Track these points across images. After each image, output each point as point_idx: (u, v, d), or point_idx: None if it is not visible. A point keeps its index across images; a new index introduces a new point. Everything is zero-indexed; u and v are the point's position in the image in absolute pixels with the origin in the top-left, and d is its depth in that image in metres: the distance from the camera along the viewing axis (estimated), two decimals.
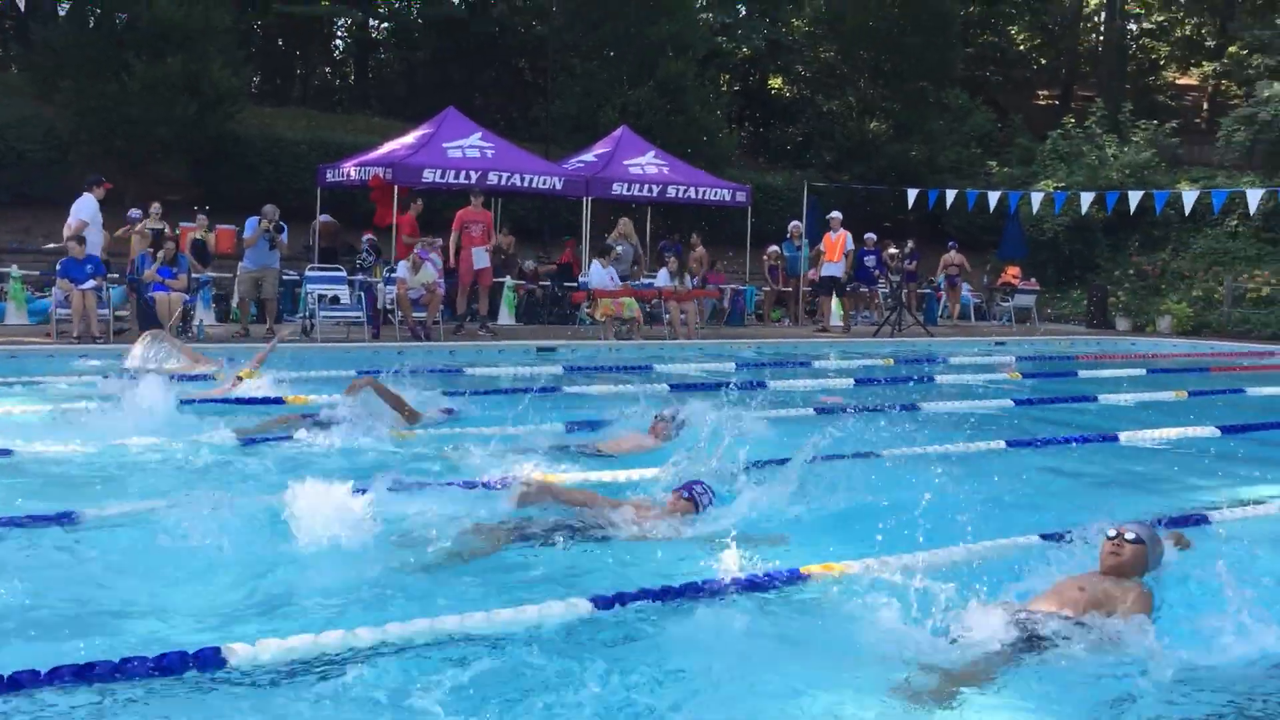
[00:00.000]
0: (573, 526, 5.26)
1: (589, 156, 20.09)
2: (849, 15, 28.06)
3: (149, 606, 4.24)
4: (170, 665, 3.48)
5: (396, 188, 16.73)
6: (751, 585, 4.46)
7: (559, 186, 18.22)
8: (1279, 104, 24.17)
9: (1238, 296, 22.10)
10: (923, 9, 27.99)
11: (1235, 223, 24.49)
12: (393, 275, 15.19)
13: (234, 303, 15.74)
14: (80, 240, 13.27)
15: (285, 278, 15.98)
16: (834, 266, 19.08)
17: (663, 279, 17.46)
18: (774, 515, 5.62)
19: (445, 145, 17.44)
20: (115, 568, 4.70)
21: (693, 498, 5.47)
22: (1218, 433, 8.75)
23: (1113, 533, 4.33)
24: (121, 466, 6.45)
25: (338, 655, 3.66)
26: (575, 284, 17.83)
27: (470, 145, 17.68)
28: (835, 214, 19.44)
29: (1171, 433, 8.63)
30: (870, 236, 21.41)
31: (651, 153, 20.02)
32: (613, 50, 25.53)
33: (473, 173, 17.06)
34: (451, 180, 17.04)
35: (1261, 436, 8.88)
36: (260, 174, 21.40)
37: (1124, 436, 8.49)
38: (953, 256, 22.89)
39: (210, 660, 3.52)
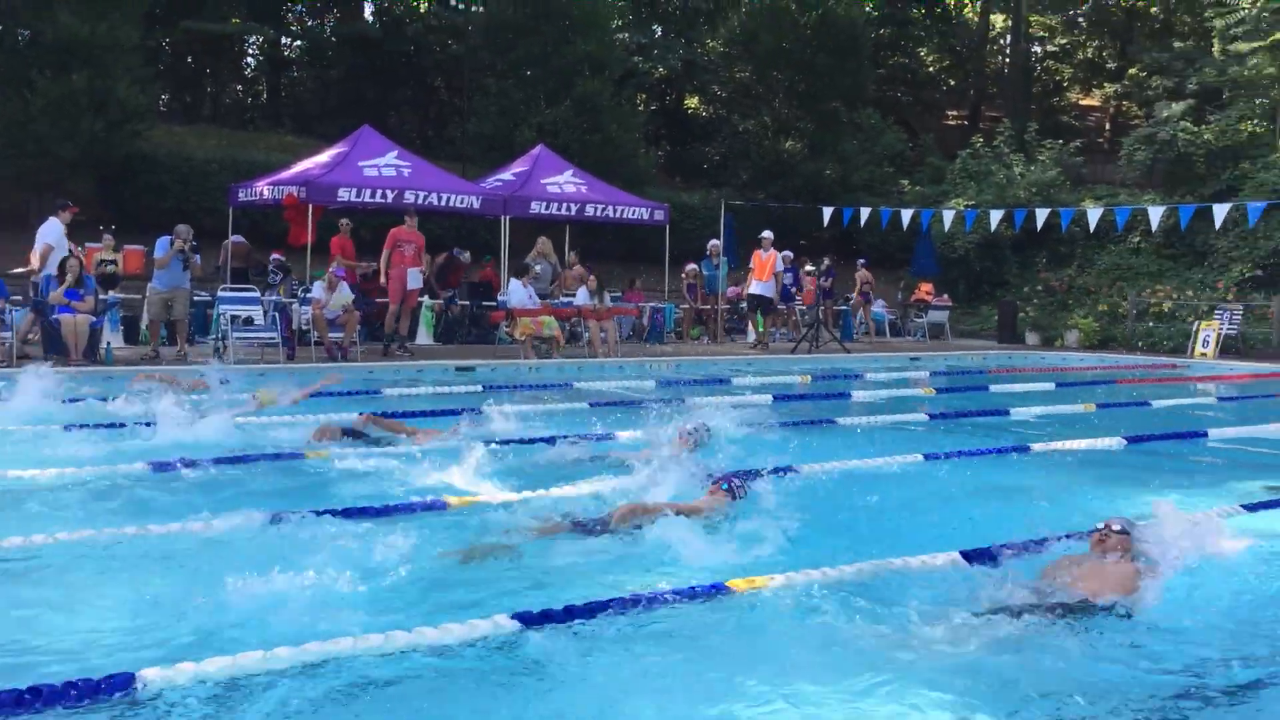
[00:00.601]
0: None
1: (506, 175, 20.04)
2: (763, 37, 28.43)
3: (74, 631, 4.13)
4: (83, 691, 3.39)
5: (311, 207, 16.50)
6: (674, 598, 4.45)
7: (477, 205, 18.13)
8: (1177, 124, 24.99)
9: (1141, 311, 22.75)
10: (835, 31, 28.48)
11: (1138, 239, 25.22)
12: (308, 296, 14.97)
13: (144, 325, 15.37)
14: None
15: (196, 299, 15.68)
16: (764, 285, 19.24)
17: (582, 297, 17.46)
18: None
19: (361, 164, 17.26)
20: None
21: (731, 489, 6.06)
22: (1124, 443, 8.98)
23: (1101, 526, 5.01)
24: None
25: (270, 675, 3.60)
26: (494, 303, 17.74)
27: (386, 164, 17.52)
28: (766, 234, 19.65)
29: (1081, 444, 8.84)
30: (787, 254, 21.69)
31: (569, 171, 20.04)
32: (529, 70, 25.55)
33: (389, 191, 16.91)
34: (368, 199, 16.87)
35: (1165, 447, 9.13)
36: (169, 193, 20.99)
37: (1035, 448, 8.67)
38: (863, 274, 23.24)
39: (120, 685, 3.43)
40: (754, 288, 19.38)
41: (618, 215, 19.85)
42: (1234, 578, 5.14)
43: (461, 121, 26.79)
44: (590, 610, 4.27)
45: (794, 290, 21.04)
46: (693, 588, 4.54)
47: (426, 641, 3.91)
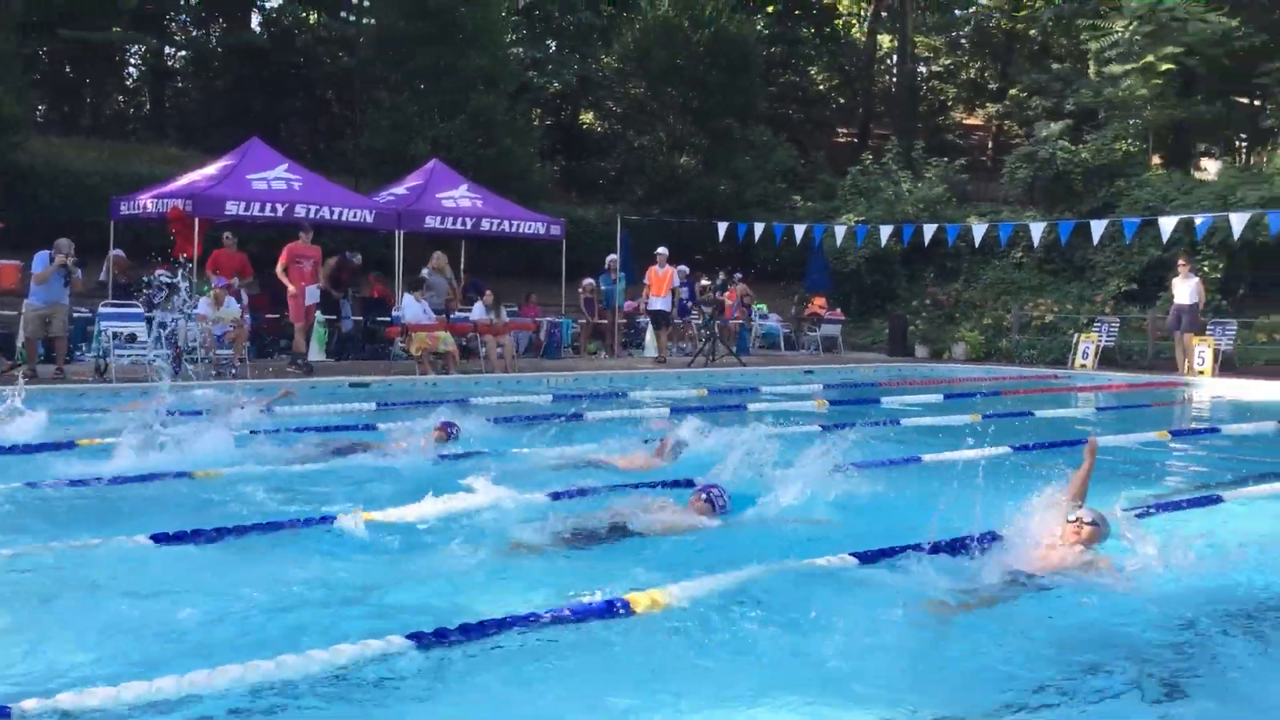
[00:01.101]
0: (617, 528, 6.03)
1: (400, 189, 19.82)
2: (656, 54, 28.63)
3: None
4: None
5: (198, 220, 16.09)
6: (573, 616, 4.43)
7: (370, 220, 17.90)
8: (1056, 143, 25.85)
9: (1024, 324, 23.44)
10: (727, 49, 28.81)
11: (1020, 255, 26.01)
12: (194, 311, 14.57)
13: (19, 342, 14.79)
14: None
15: (76, 315, 15.15)
16: (661, 301, 19.43)
17: (478, 312, 17.35)
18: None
19: (249, 177, 16.90)
20: None
21: (710, 500, 6.35)
22: (1010, 451, 9.23)
23: (1073, 518, 5.40)
24: None
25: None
26: (388, 319, 17.51)
27: (276, 177, 17.19)
28: (662, 250, 19.80)
29: (970, 453, 9.04)
30: (683, 269, 21.94)
31: (464, 186, 19.91)
32: (423, 83, 25.31)
33: (279, 205, 16.59)
34: (257, 213, 16.52)
35: (1049, 456, 9.39)
36: (47, 206, 20.25)
37: (926, 458, 8.84)
38: (742, 287, 23.47)
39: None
40: (653, 303, 19.53)
41: (514, 230, 19.78)
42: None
43: (354, 134, 26.43)
44: (486, 628, 4.22)
45: (690, 305, 21.24)
46: (590, 604, 4.52)
47: (316, 665, 3.82)
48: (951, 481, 7.80)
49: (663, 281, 19.36)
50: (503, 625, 4.26)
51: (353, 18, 30.37)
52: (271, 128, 26.52)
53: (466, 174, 21.07)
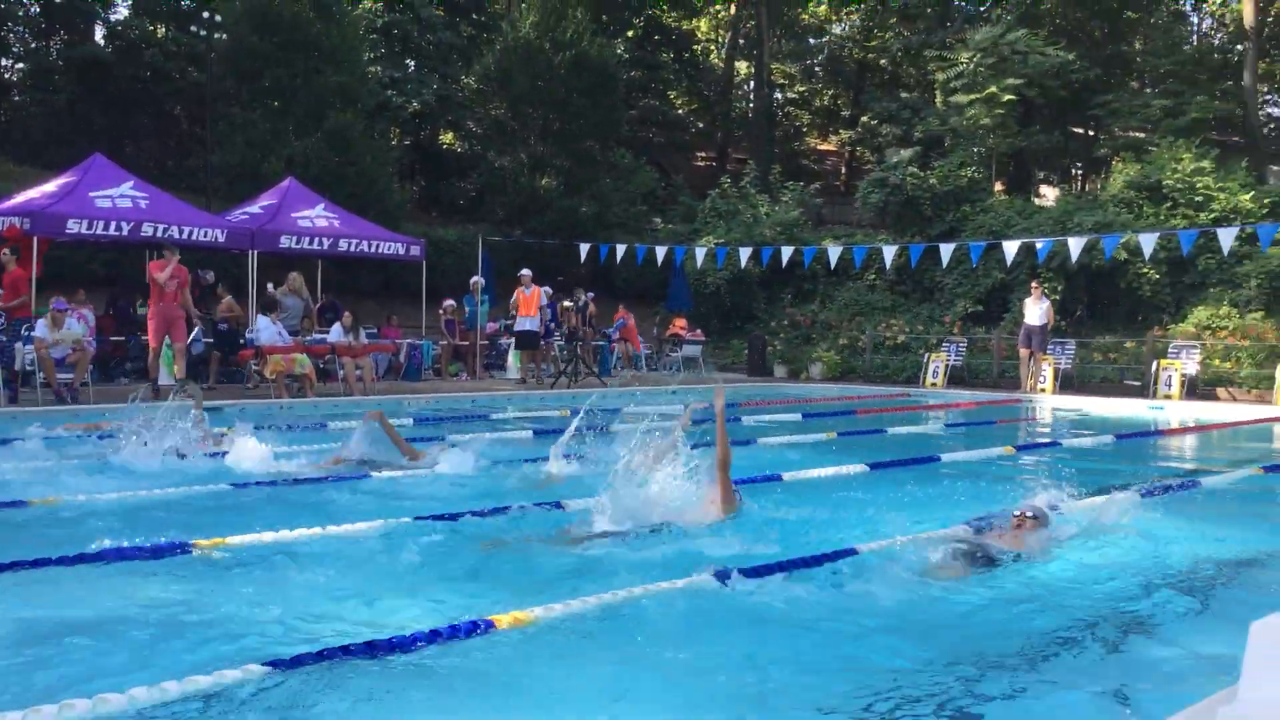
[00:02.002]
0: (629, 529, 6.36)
1: (254, 208, 19.33)
2: (517, 76, 28.61)
3: None
4: None
5: (37, 240, 15.38)
6: (436, 637, 4.36)
7: (222, 239, 17.38)
8: (905, 169, 26.75)
9: (877, 344, 24.13)
10: (588, 72, 28.99)
11: (873, 277, 26.77)
12: (30, 334, 13.91)
13: None
14: None
15: None
16: (530, 321, 19.38)
17: (336, 334, 17.02)
18: None
19: (92, 194, 16.23)
20: None
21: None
22: (867, 469, 9.47)
23: (1017, 513, 6.40)
24: None
25: None
26: (242, 341, 17.03)
27: (121, 195, 16.54)
28: (525, 272, 19.83)
29: (827, 471, 9.25)
30: (547, 289, 21.94)
31: (321, 205, 19.53)
32: (277, 100, 24.77)
33: (124, 224, 15.97)
34: (100, 232, 15.87)
35: (901, 473, 9.67)
36: None
37: (786, 476, 9.00)
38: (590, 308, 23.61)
39: None
40: (521, 324, 19.48)
41: (372, 250, 19.47)
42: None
43: (204, 152, 25.67)
44: (348, 651, 4.13)
45: (553, 326, 21.25)
46: (455, 626, 4.46)
47: (170, 696, 3.67)
48: (808, 499, 8.01)
49: (530, 302, 19.36)
50: (373, 648, 4.17)
51: (203, 32, 29.56)
52: (116, 144, 25.61)
53: (323, 193, 20.68)
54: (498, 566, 5.89)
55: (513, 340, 21.57)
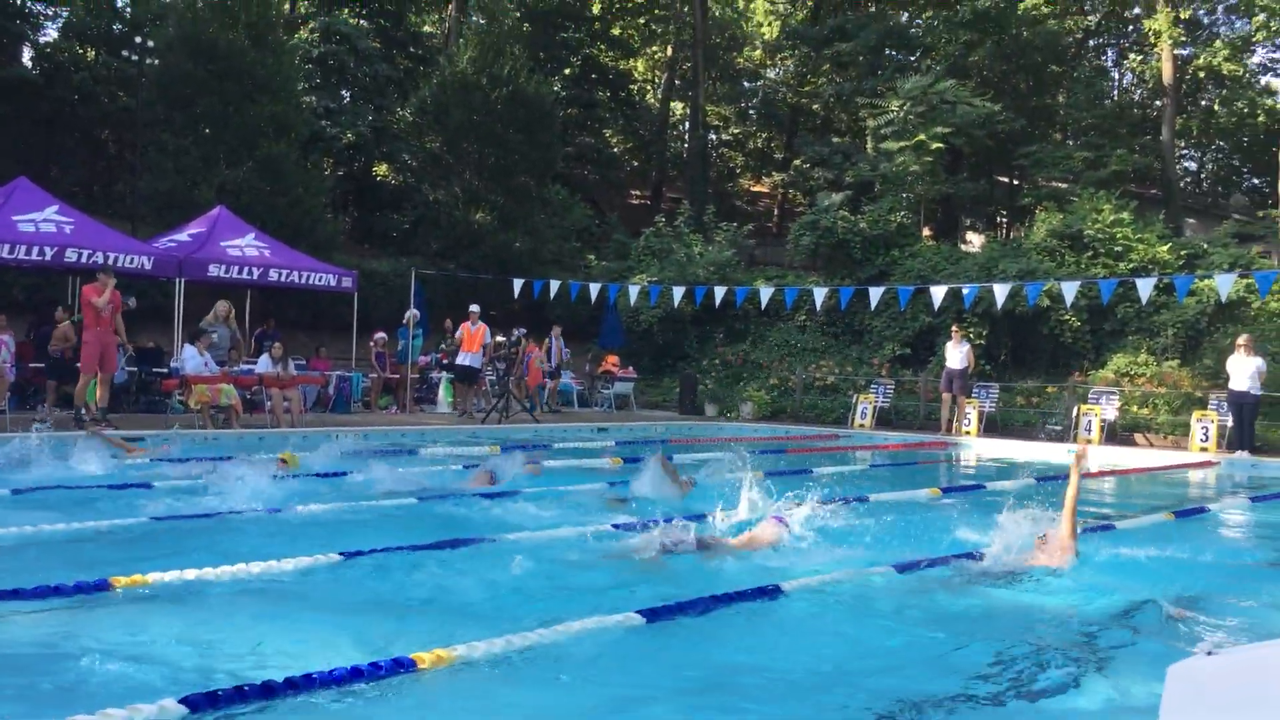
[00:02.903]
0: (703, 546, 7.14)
1: (182, 236, 19.07)
2: (454, 109, 28.62)
3: None
4: None
5: None
6: (357, 675, 4.32)
7: (148, 266, 17.11)
8: (836, 213, 27.16)
9: (807, 384, 24.37)
10: (524, 108, 29.08)
11: (804, 318, 27.08)
12: None
13: None
14: None
15: None
16: (472, 357, 19.48)
17: (263, 365, 16.80)
18: None
19: (16, 219, 15.90)
20: None
21: (784, 521, 7.52)
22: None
23: (1041, 535, 7.25)
24: None
25: None
26: (166, 370, 16.74)
27: (45, 219, 16.22)
28: (474, 307, 20.02)
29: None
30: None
31: (251, 234, 19.33)
32: (208, 127, 24.50)
33: (48, 248, 15.67)
34: (23, 257, 15.55)
35: (826, 514, 9.74)
36: None
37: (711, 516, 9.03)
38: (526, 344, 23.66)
39: None
40: (462, 359, 19.55)
41: (303, 281, 19.29)
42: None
43: (133, 178, 25.26)
44: (268, 691, 4.08)
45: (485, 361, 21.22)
46: (376, 663, 4.42)
47: None
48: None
49: (475, 338, 19.50)
50: (292, 686, 4.12)
51: (135, 57, 29.17)
52: (42, 167, 25.10)
53: (254, 222, 20.48)
54: None
55: (444, 374, 21.51)
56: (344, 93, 33.42)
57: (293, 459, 10.90)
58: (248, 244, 18.97)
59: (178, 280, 17.68)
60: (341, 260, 24.20)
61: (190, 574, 5.95)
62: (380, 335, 20.86)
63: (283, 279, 18.92)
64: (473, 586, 6.25)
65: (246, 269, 18.38)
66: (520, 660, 4.70)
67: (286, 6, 35.18)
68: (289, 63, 26.09)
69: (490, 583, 6.32)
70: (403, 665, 4.45)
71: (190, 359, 15.51)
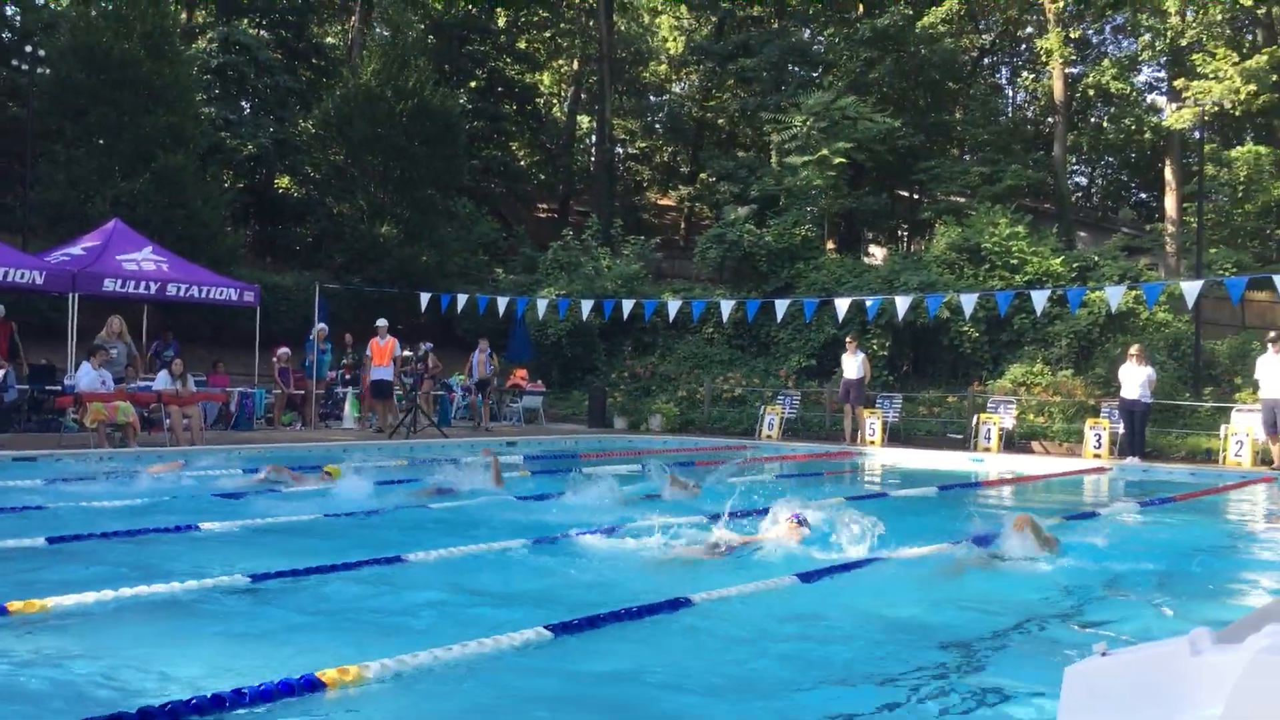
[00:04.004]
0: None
1: (76, 250, 18.53)
2: (358, 121, 28.29)
3: None
4: None
5: None
6: (263, 696, 4.24)
7: (40, 281, 16.61)
8: (742, 226, 27.47)
9: (715, 396, 24.58)
10: (430, 121, 28.88)
11: (711, 330, 27.32)
12: None
13: None
14: None
15: None
16: (383, 370, 19.33)
17: (162, 381, 16.40)
18: None
19: None
20: None
21: (804, 522, 8.18)
22: (704, 519, 9.60)
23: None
24: None
25: None
26: (59, 388, 16.24)
27: None
28: (381, 321, 19.94)
29: (666, 520, 9.35)
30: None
31: (148, 248, 18.87)
32: (103, 138, 23.87)
33: None
34: None
35: (735, 525, 9.84)
36: None
37: (627, 529, 9.07)
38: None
39: None
40: (375, 374, 19.44)
41: (203, 296, 18.89)
42: None
43: (23, 190, 24.46)
44: (172, 713, 3.99)
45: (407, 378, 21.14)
46: (286, 681, 4.35)
47: None
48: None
49: (385, 352, 19.42)
50: (187, 708, 4.03)
51: (25, 67, 28.30)
52: None
53: (151, 235, 20.01)
54: None
55: (350, 389, 21.27)
56: (244, 104, 32.83)
57: (336, 470, 11.63)
58: (144, 258, 18.52)
59: (71, 295, 17.19)
60: (243, 274, 23.75)
61: (89, 597, 5.79)
62: (284, 350, 20.50)
63: (182, 293, 18.50)
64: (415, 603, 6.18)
65: (143, 283, 17.93)
66: (426, 678, 4.67)
67: (184, 16, 34.53)
68: (186, 73, 25.56)
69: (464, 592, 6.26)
70: (309, 685, 4.39)
71: (85, 376, 15.08)
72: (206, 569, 6.73)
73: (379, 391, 19.76)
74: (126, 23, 23.96)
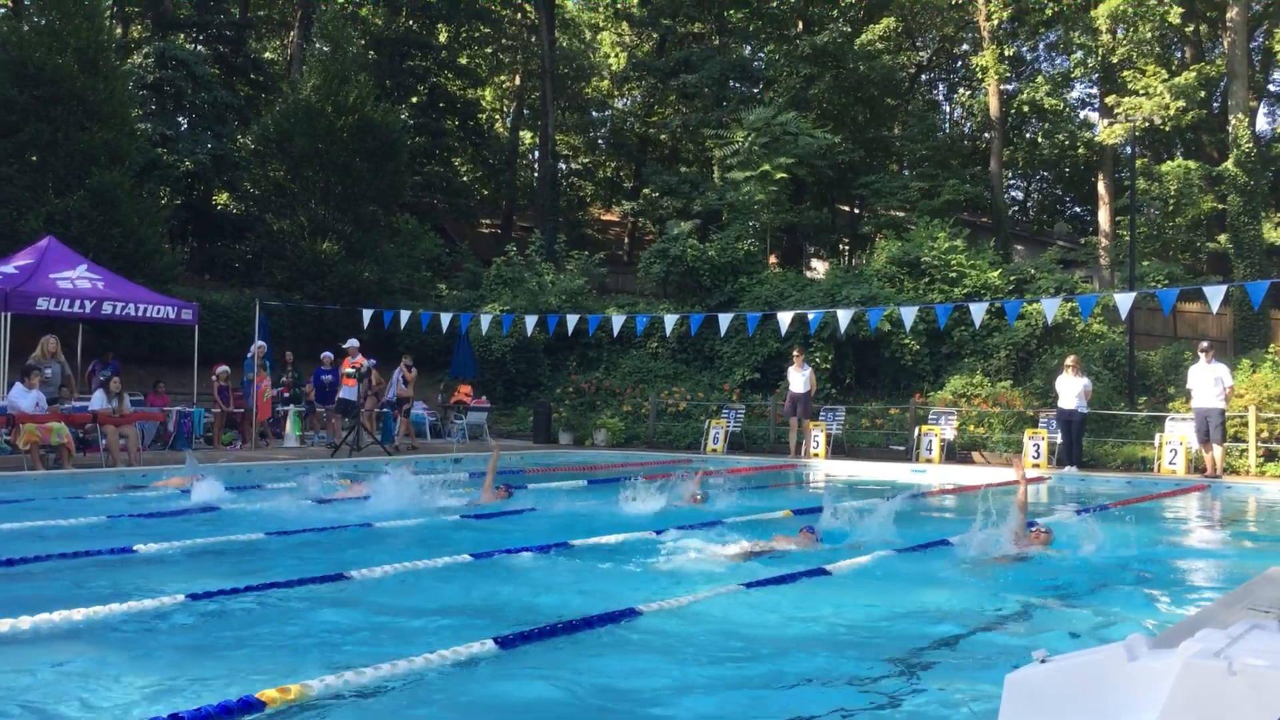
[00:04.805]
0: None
1: (8, 268, 18.13)
2: (298, 137, 28.01)
3: None
4: None
5: None
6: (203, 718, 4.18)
7: None
8: (686, 241, 27.60)
9: (660, 411, 24.62)
10: (371, 136, 28.67)
11: (656, 345, 27.38)
12: None
13: None
14: None
15: None
16: (350, 390, 19.31)
17: (98, 401, 16.11)
18: None
19: None
20: None
21: (815, 533, 9.03)
22: (656, 535, 9.63)
23: (1033, 527, 9.02)
24: None
25: None
26: None
27: None
28: (353, 341, 19.96)
29: (616, 538, 9.37)
30: (327, 355, 21.57)
31: (83, 266, 18.54)
32: (35, 155, 23.44)
33: None
34: None
35: (688, 536, 9.88)
36: None
37: (575, 542, 9.06)
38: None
39: None
40: (344, 392, 19.44)
41: (140, 314, 18.58)
42: None
43: None
44: None
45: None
46: (225, 704, 4.29)
47: None
48: (592, 564, 8.12)
49: None
50: None
51: None
52: None
53: (86, 253, 19.68)
54: None
55: (291, 407, 21.06)
56: (181, 119, 32.42)
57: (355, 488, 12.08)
58: (79, 276, 18.19)
59: (3, 314, 16.84)
60: (181, 292, 23.42)
61: (25, 621, 5.67)
62: (223, 369, 20.23)
63: (118, 312, 18.19)
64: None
65: (78, 302, 17.61)
66: (372, 695, 4.63)
67: (119, 31, 34.06)
68: (122, 88, 25.15)
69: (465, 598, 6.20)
70: (248, 706, 4.33)
71: (19, 397, 14.77)
72: (138, 591, 6.62)
73: (344, 409, 19.63)
74: (60, 38, 23.55)
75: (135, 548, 8.21)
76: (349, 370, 19.48)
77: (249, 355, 20.37)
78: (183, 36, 34.84)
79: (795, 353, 21.82)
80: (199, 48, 35.25)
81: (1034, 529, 9.00)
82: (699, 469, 12.89)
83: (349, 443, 18.66)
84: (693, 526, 9.85)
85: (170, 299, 20.08)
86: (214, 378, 20.18)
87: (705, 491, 12.47)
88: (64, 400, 16.62)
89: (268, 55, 42.61)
